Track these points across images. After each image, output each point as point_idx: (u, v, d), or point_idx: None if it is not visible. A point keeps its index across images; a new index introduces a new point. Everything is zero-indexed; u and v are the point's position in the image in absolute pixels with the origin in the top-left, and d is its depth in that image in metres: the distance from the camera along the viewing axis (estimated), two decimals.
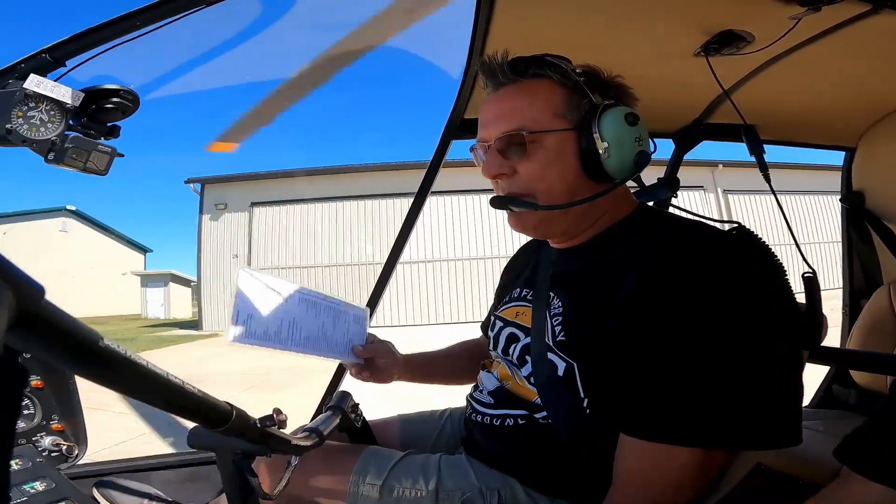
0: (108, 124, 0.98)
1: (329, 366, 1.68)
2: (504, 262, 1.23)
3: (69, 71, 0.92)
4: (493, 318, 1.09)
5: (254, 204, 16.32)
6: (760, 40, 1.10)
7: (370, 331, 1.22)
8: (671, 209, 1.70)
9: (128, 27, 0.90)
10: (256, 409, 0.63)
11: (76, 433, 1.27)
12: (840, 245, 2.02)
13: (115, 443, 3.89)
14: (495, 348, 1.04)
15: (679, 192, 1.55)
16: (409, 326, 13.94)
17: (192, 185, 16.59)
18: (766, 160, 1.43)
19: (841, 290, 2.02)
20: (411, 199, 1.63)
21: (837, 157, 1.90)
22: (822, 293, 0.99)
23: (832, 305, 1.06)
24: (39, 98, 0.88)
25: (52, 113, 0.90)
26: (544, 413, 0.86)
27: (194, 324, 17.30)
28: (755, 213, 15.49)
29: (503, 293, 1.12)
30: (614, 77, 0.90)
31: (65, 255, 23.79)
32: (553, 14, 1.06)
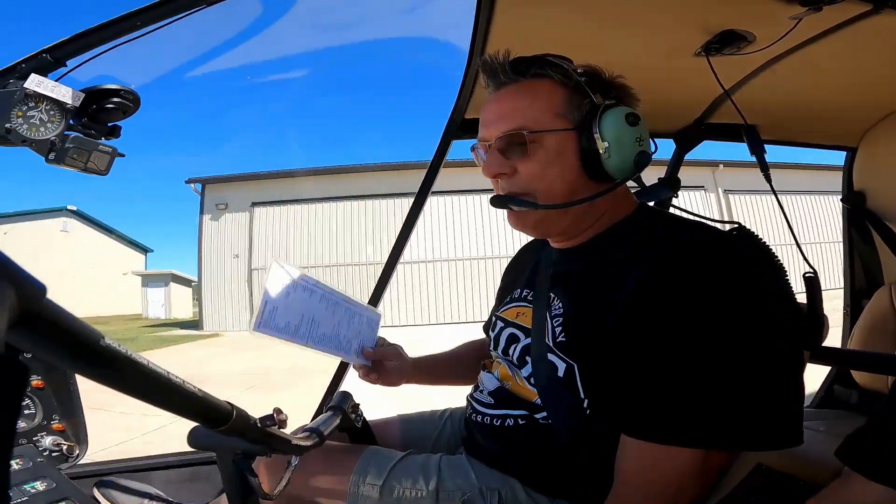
0: (109, 124, 0.99)
1: (329, 366, 1.68)
2: (504, 262, 1.23)
3: (70, 71, 0.92)
4: (494, 318, 1.09)
5: (254, 204, 16.33)
6: (761, 40, 1.09)
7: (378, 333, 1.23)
8: (672, 209, 1.70)
9: (128, 27, 0.90)
10: (257, 409, 0.63)
11: (77, 433, 1.27)
12: (841, 245, 2.02)
13: (115, 443, 3.90)
14: (496, 348, 1.04)
15: (680, 192, 1.56)
16: (410, 326, 13.95)
17: (192, 185, 16.62)
18: (767, 160, 1.42)
19: (842, 290, 2.01)
20: (412, 199, 1.63)
21: (838, 157, 1.90)
22: (823, 293, 0.99)
23: (833, 305, 1.06)
24: (40, 98, 0.88)
25: (52, 113, 0.90)
26: (544, 413, 0.86)
27: (195, 324, 17.31)
28: (756, 213, 15.48)
29: (504, 294, 1.13)
30: (615, 77, 0.90)
31: (66, 255, 23.82)
32: (554, 14, 1.06)
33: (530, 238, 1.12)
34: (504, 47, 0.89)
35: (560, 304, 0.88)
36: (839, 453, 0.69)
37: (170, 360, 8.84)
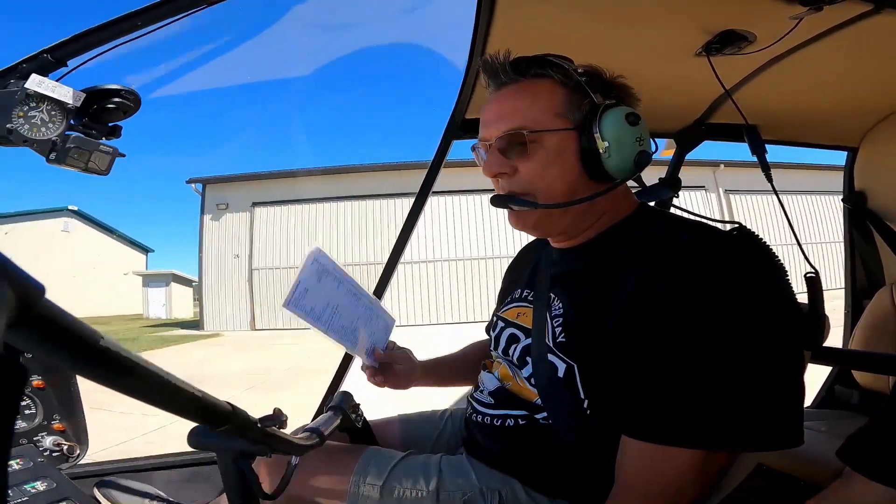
0: (110, 124, 0.99)
1: (329, 366, 1.68)
2: (505, 262, 1.24)
3: (70, 71, 0.92)
4: (495, 318, 1.09)
5: (255, 204, 16.35)
6: (762, 40, 1.09)
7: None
8: (672, 209, 1.70)
9: (129, 27, 0.90)
10: (257, 409, 0.63)
11: (77, 433, 1.28)
12: (842, 245, 2.02)
13: (116, 443, 3.90)
14: (496, 349, 1.04)
15: (680, 192, 1.56)
16: (410, 326, 13.95)
17: (193, 185, 16.64)
18: (768, 160, 1.42)
19: (843, 290, 2.01)
20: (412, 199, 1.63)
21: (839, 157, 1.90)
22: (824, 293, 0.99)
23: (834, 306, 1.06)
24: (41, 98, 0.88)
25: (53, 113, 0.90)
26: (545, 414, 0.86)
27: (195, 324, 17.33)
28: (757, 213, 15.47)
29: (505, 294, 1.13)
30: (616, 77, 0.90)
31: (67, 255, 23.84)
32: (554, 14, 1.06)
33: (531, 238, 1.12)
34: (504, 47, 0.89)
35: (560, 305, 0.88)
36: (840, 453, 0.69)
37: (170, 360, 8.86)
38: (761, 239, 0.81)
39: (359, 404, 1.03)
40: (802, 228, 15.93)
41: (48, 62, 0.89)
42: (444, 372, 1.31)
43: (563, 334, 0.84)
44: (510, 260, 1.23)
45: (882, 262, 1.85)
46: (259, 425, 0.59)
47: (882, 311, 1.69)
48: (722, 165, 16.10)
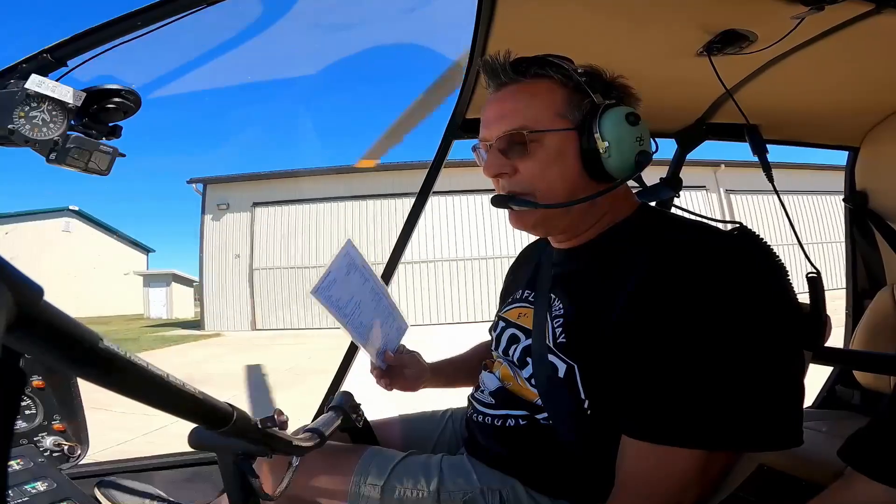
0: (110, 124, 0.99)
1: (330, 366, 1.68)
2: (505, 262, 1.24)
3: (70, 71, 0.92)
4: (496, 318, 1.09)
5: (256, 204, 16.36)
6: (763, 40, 1.09)
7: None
8: (673, 209, 1.70)
9: (129, 27, 0.90)
10: (258, 410, 0.62)
11: (78, 433, 1.27)
12: (843, 245, 2.01)
13: (116, 443, 3.90)
14: (497, 349, 1.04)
15: (681, 192, 1.55)
16: (411, 326, 13.94)
17: (194, 185, 16.65)
18: (769, 160, 1.42)
19: (844, 290, 2.01)
20: (413, 199, 1.63)
21: (841, 157, 1.90)
22: (825, 293, 0.99)
23: (835, 306, 1.06)
24: (41, 98, 0.88)
25: (53, 113, 0.90)
26: (545, 414, 0.86)
27: (196, 324, 17.34)
28: (758, 213, 15.45)
29: (507, 294, 1.13)
30: (616, 77, 0.90)
31: (68, 255, 23.86)
32: (555, 14, 1.06)
33: (532, 238, 1.12)
34: (505, 47, 0.89)
35: (560, 305, 0.88)
36: (841, 453, 0.69)
37: (171, 361, 8.88)
38: (762, 239, 0.81)
39: (359, 404, 1.03)
40: (803, 228, 15.92)
41: (48, 62, 0.89)
42: (452, 373, 1.32)
43: (563, 335, 0.84)
44: (510, 260, 1.23)
45: (883, 262, 1.85)
46: (259, 426, 0.59)
47: (883, 311, 1.69)
48: (723, 165, 16.08)
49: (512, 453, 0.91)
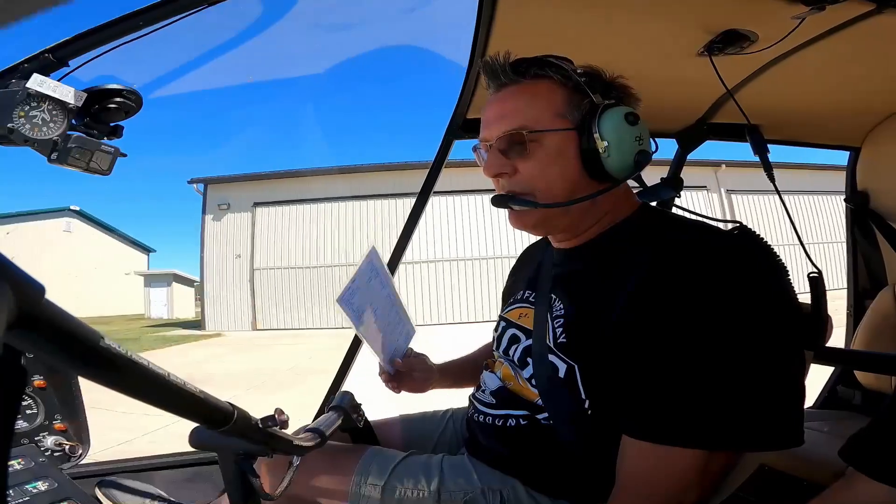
0: (111, 124, 0.99)
1: (330, 366, 1.68)
2: (506, 263, 1.25)
3: (72, 71, 0.92)
4: (498, 318, 1.09)
5: (256, 204, 16.38)
6: (764, 40, 1.09)
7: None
8: (674, 209, 1.70)
9: (130, 27, 0.90)
10: (258, 410, 0.63)
11: (79, 433, 1.28)
12: (844, 245, 2.01)
13: (117, 442, 3.91)
14: (498, 349, 1.04)
15: (682, 192, 1.55)
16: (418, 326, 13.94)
17: (195, 185, 16.66)
18: (770, 160, 1.42)
19: (844, 290, 2.01)
20: (414, 200, 1.63)
21: (842, 157, 1.90)
22: (826, 293, 0.99)
23: (836, 306, 1.06)
24: (42, 98, 0.88)
25: (54, 113, 0.90)
26: (546, 414, 0.86)
27: (197, 324, 17.36)
28: (759, 213, 15.46)
29: (508, 295, 1.13)
30: (616, 77, 0.90)
31: (69, 255, 23.90)
32: (556, 15, 1.06)
33: (534, 239, 1.13)
34: (506, 48, 0.89)
35: (561, 306, 0.88)
36: (843, 453, 0.69)
37: (172, 360, 8.88)
38: (762, 238, 0.81)
39: (360, 404, 1.03)
40: (804, 229, 15.91)
41: (50, 62, 0.89)
42: (459, 373, 1.32)
43: (563, 335, 0.84)
44: (511, 260, 1.23)
45: (884, 262, 1.85)
46: (260, 425, 0.59)
47: (884, 311, 1.69)
48: (724, 165, 16.09)
49: (513, 453, 0.91)
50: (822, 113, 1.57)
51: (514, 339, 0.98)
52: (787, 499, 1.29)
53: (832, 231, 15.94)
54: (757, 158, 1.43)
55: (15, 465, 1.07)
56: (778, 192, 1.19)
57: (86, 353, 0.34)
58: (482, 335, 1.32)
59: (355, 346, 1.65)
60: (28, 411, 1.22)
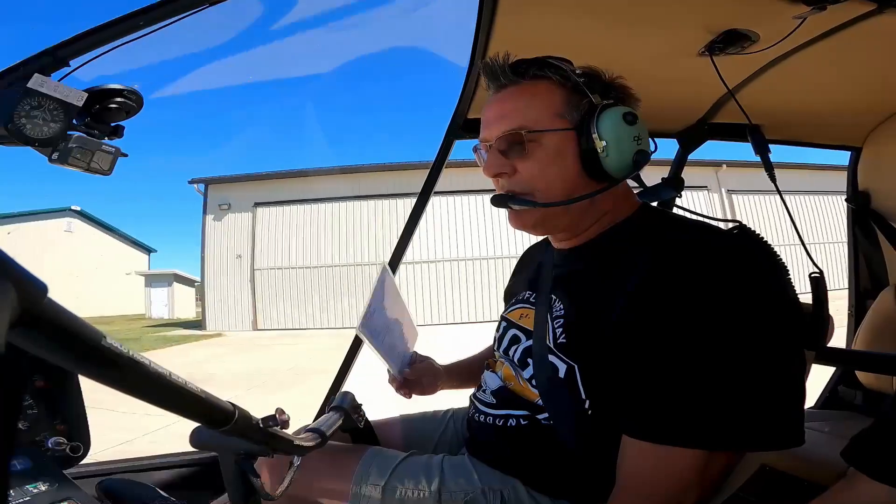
0: (112, 124, 0.99)
1: (331, 366, 1.68)
2: (507, 263, 1.26)
3: (73, 71, 0.92)
4: (500, 318, 1.09)
5: (257, 204, 16.39)
6: (765, 39, 1.09)
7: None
8: (675, 209, 1.70)
9: (131, 27, 0.90)
10: (259, 410, 0.63)
11: (80, 433, 1.28)
12: (845, 245, 2.01)
13: (118, 442, 3.91)
14: (498, 349, 1.04)
15: (683, 193, 1.55)
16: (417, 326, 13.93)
17: (195, 185, 16.67)
18: (771, 160, 1.42)
19: (846, 290, 2.01)
20: (415, 200, 1.63)
21: (843, 157, 1.90)
22: (828, 293, 0.98)
23: (837, 306, 1.06)
24: (43, 98, 0.88)
25: (55, 113, 0.90)
26: (546, 414, 0.86)
27: (198, 324, 17.37)
28: (759, 213, 15.45)
29: (510, 295, 1.13)
30: (615, 78, 0.90)
31: (69, 255, 23.93)
32: (556, 16, 1.06)
33: (535, 239, 1.13)
34: (506, 49, 0.90)
35: (561, 306, 0.88)
36: (844, 454, 0.69)
37: (173, 360, 8.88)
38: (763, 238, 0.81)
39: (361, 404, 1.03)
40: (806, 229, 15.90)
41: (50, 62, 0.89)
42: (466, 374, 1.33)
43: (563, 335, 0.84)
44: (512, 260, 1.23)
45: (886, 263, 1.85)
46: (261, 425, 0.59)
47: (886, 311, 1.69)
48: (724, 166, 16.09)
49: (513, 453, 0.91)
50: (823, 113, 1.57)
51: (515, 340, 0.98)
52: (788, 499, 1.29)
53: (833, 231, 15.94)
54: (758, 158, 1.43)
55: (16, 465, 1.07)
56: (779, 192, 1.19)
57: (88, 352, 0.34)
58: (483, 335, 1.33)
59: (356, 346, 1.65)
60: (29, 411, 1.22)
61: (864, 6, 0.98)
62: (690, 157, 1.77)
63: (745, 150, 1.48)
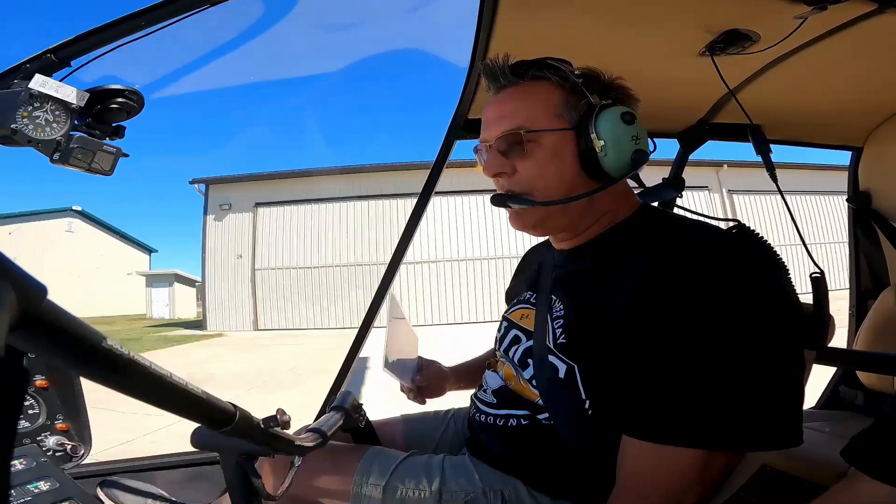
0: (113, 124, 0.99)
1: (331, 366, 1.68)
2: (508, 263, 1.26)
3: (74, 71, 0.92)
4: (502, 319, 1.09)
5: (258, 204, 16.39)
6: (766, 39, 1.09)
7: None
8: (675, 209, 1.70)
9: (132, 27, 0.90)
10: (260, 410, 0.63)
11: (81, 433, 1.28)
12: (846, 246, 2.01)
13: (119, 442, 3.91)
14: (499, 349, 1.04)
15: (683, 193, 1.55)
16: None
17: (196, 185, 16.67)
18: (772, 160, 1.42)
19: (846, 290, 2.00)
20: (415, 200, 1.63)
21: (844, 157, 1.89)
22: (829, 294, 0.98)
23: (838, 306, 1.06)
24: (45, 98, 0.88)
25: (57, 113, 0.90)
26: (547, 414, 0.86)
27: (198, 324, 17.37)
28: (760, 213, 15.43)
29: (512, 295, 1.14)
30: (615, 79, 0.91)
31: (70, 255, 23.95)
32: (556, 16, 1.06)
33: (536, 239, 1.13)
34: (506, 50, 0.90)
35: (561, 306, 0.88)
36: (845, 454, 0.69)
37: (173, 360, 8.89)
38: (762, 238, 0.82)
39: (361, 404, 1.03)
40: (806, 229, 15.89)
41: (52, 62, 0.89)
42: (474, 374, 1.33)
43: (563, 335, 0.84)
44: (512, 260, 1.24)
45: (887, 263, 1.85)
46: (262, 425, 0.59)
47: (887, 311, 1.68)
48: (725, 166, 16.08)
49: (514, 453, 0.91)
50: (824, 113, 1.56)
51: (516, 340, 0.98)
52: (788, 499, 1.29)
53: (834, 231, 15.92)
54: (759, 159, 1.43)
55: (17, 464, 1.07)
56: (780, 193, 1.19)
57: (88, 354, 0.34)
58: (483, 335, 1.33)
59: (356, 346, 1.65)
60: (30, 411, 1.22)
61: (864, 6, 0.98)
62: (691, 157, 1.77)
63: (745, 151, 1.48)
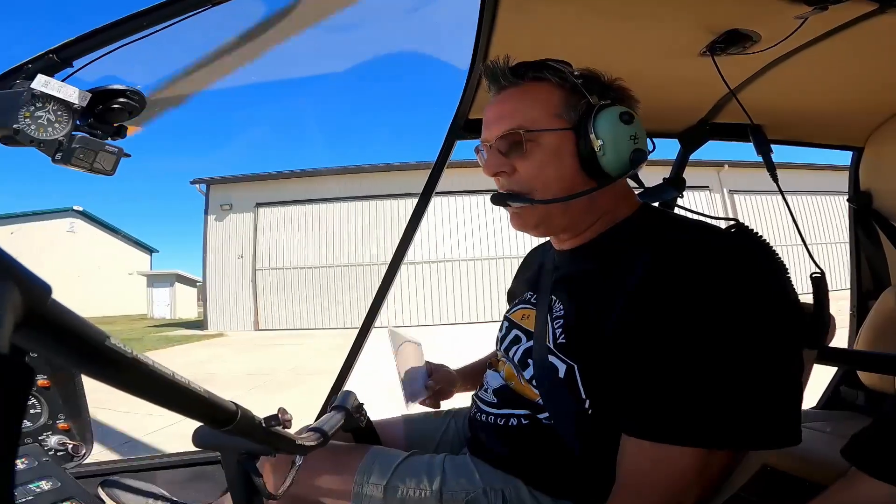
0: (115, 125, 0.99)
1: (332, 366, 1.68)
2: (509, 263, 1.26)
3: (76, 71, 0.92)
4: (503, 318, 1.10)
5: (259, 204, 16.39)
6: (767, 40, 1.09)
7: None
8: (676, 209, 1.70)
9: (134, 27, 0.90)
10: (261, 409, 0.63)
11: (82, 432, 1.28)
12: (847, 246, 2.01)
13: (120, 442, 3.91)
14: (500, 348, 1.04)
15: (684, 193, 1.55)
16: (413, 327, 13.95)
17: (197, 185, 16.68)
18: (773, 160, 1.42)
19: (848, 290, 2.00)
20: (416, 200, 1.63)
21: (845, 157, 1.89)
22: (829, 294, 0.99)
23: (839, 306, 1.06)
24: (47, 98, 0.88)
25: (59, 113, 0.90)
26: (547, 414, 0.86)
27: (199, 324, 17.38)
28: (761, 213, 15.41)
29: (513, 296, 1.14)
30: (615, 79, 0.91)
31: (72, 255, 23.97)
32: (557, 17, 1.06)
33: (536, 239, 1.13)
34: (507, 50, 0.91)
35: (561, 307, 0.88)
36: (845, 452, 0.69)
37: (175, 360, 8.89)
38: (762, 238, 0.82)
39: (362, 404, 1.03)
40: (807, 229, 15.87)
41: (54, 62, 0.89)
42: (479, 377, 1.32)
43: (563, 335, 0.84)
44: (513, 260, 1.24)
45: (887, 263, 1.84)
46: (263, 425, 0.60)
47: (887, 311, 1.68)
48: (726, 166, 16.06)
49: (514, 453, 0.91)
50: (825, 113, 1.56)
51: (516, 340, 0.98)
52: (789, 499, 1.29)
53: (835, 231, 15.91)
54: (759, 159, 1.43)
55: (18, 464, 1.07)
56: (781, 193, 1.19)
57: (92, 352, 0.34)
58: (483, 335, 1.33)
59: (358, 346, 1.65)
60: (32, 411, 1.22)
61: (865, 6, 0.98)
62: (692, 157, 1.77)
63: (746, 151, 1.48)
